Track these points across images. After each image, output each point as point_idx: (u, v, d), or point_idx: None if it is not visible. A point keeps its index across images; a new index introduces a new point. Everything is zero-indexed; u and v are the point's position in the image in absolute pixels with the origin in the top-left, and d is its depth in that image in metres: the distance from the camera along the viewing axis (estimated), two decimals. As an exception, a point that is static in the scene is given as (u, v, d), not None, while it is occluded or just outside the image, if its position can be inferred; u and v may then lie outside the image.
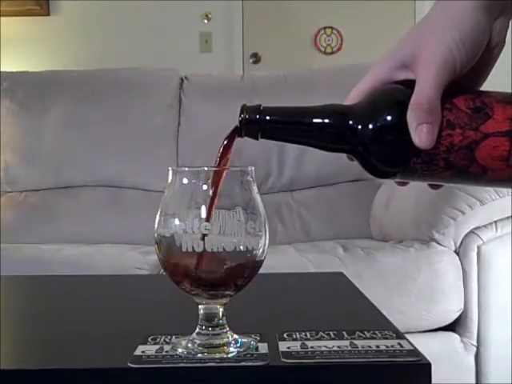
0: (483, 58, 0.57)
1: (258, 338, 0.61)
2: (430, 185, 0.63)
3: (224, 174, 0.57)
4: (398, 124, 0.55)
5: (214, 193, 0.56)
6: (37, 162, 2.31)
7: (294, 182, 2.27)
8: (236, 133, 0.58)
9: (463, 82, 0.57)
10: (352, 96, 0.59)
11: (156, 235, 0.58)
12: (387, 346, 0.59)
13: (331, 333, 0.64)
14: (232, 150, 0.58)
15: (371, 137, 0.56)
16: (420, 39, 0.56)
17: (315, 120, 0.57)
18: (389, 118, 0.55)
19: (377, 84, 0.58)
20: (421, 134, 0.53)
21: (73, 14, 3.76)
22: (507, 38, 0.59)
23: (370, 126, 0.55)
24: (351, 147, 0.57)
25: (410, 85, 0.55)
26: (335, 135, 0.57)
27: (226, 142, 0.58)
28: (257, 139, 0.57)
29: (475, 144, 0.54)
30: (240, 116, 0.57)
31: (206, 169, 0.59)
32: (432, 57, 0.54)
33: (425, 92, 0.54)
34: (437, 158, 0.55)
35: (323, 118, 0.56)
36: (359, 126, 0.56)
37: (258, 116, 0.56)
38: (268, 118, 0.56)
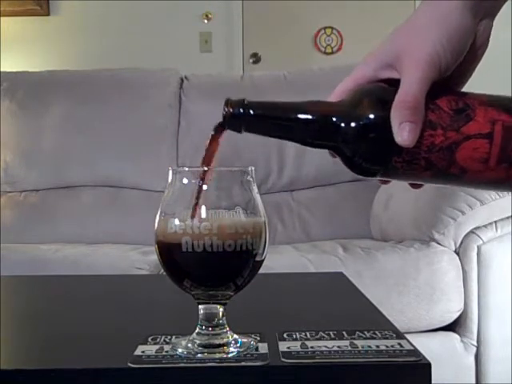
0: (467, 58, 0.57)
1: (258, 338, 0.61)
2: (410, 184, 0.63)
3: (213, 171, 0.57)
4: (381, 122, 0.55)
5: (199, 190, 0.56)
6: (37, 162, 2.31)
7: (293, 182, 2.27)
8: (220, 126, 0.58)
9: (446, 82, 0.57)
10: (336, 93, 0.59)
11: (156, 235, 0.58)
12: (387, 346, 0.59)
13: (331, 333, 0.64)
14: (219, 143, 0.58)
15: (354, 134, 0.56)
16: (405, 39, 0.57)
17: (299, 115, 0.57)
18: (372, 115, 0.55)
19: (361, 82, 0.58)
20: (403, 133, 0.53)
21: (73, 14, 3.76)
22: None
23: (353, 124, 0.56)
24: (334, 144, 0.57)
25: (394, 84, 0.56)
26: (318, 131, 0.57)
27: (212, 135, 0.59)
28: (240, 132, 0.58)
29: (456, 145, 0.54)
30: (224, 109, 0.57)
31: (205, 169, 0.59)
32: (418, 56, 0.54)
33: (409, 91, 0.54)
34: (418, 158, 0.55)
35: (307, 114, 0.56)
36: (342, 124, 0.56)
37: (241, 110, 0.57)
38: (251, 112, 0.57)
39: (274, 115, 0.58)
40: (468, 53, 0.57)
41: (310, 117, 0.56)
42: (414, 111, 0.53)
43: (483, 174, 0.55)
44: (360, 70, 0.58)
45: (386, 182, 0.62)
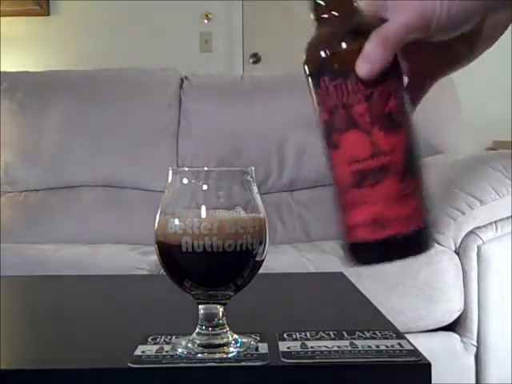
0: (462, 44, 0.56)
1: (258, 338, 0.61)
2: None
3: None
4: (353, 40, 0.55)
5: None
6: (37, 162, 2.31)
7: (293, 182, 2.27)
8: None
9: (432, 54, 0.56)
10: None
11: (156, 235, 0.58)
12: (387, 346, 0.59)
13: (331, 333, 0.64)
14: None
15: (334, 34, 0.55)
16: None
17: None
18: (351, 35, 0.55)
19: None
20: (363, 63, 0.53)
21: (73, 14, 3.76)
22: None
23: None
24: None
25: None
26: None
27: None
28: None
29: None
30: None
31: (205, 169, 0.59)
32: (412, 4, 0.53)
33: (389, 30, 0.53)
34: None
35: None
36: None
37: None
38: None
39: None
40: (466, 39, 0.55)
41: None
42: (383, 48, 0.53)
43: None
44: None
45: None
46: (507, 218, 1.64)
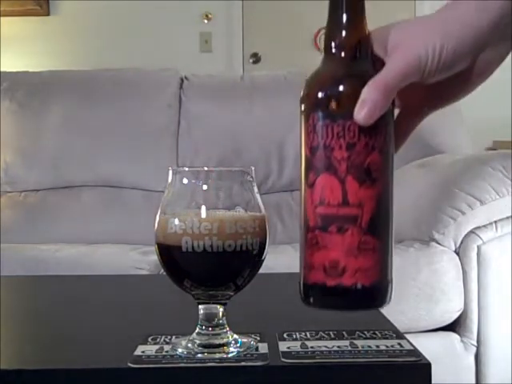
0: (456, 81, 0.56)
1: (258, 338, 0.61)
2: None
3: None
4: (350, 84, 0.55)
5: None
6: (37, 162, 2.31)
7: (294, 182, 2.27)
8: None
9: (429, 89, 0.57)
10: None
11: (156, 235, 0.58)
12: (387, 346, 0.59)
13: (331, 333, 0.64)
14: None
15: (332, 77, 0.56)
16: (409, 29, 0.56)
17: None
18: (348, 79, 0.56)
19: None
20: (362, 108, 0.53)
21: (73, 14, 3.76)
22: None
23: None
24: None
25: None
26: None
27: None
28: None
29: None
30: None
31: (205, 169, 0.59)
32: (408, 51, 0.54)
33: (386, 76, 0.53)
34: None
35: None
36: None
37: None
38: None
39: None
40: (462, 74, 0.56)
41: None
42: (383, 94, 0.53)
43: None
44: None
45: None
46: (507, 217, 1.64)
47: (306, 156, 0.57)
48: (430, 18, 0.57)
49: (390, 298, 0.57)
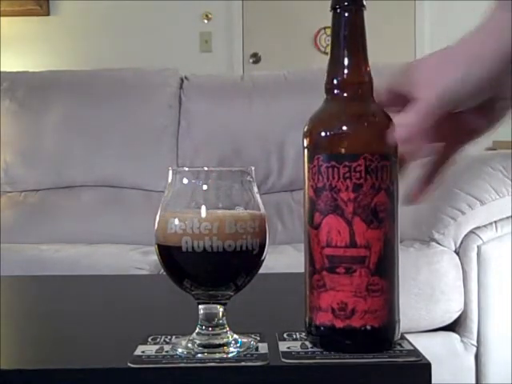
0: (480, 117, 0.57)
1: (258, 338, 0.61)
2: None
3: None
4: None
5: None
6: (37, 162, 2.31)
7: (293, 182, 2.27)
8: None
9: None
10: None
11: (156, 235, 0.58)
12: (387, 346, 0.59)
13: (331, 333, 0.64)
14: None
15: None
16: (430, 68, 0.56)
17: None
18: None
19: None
20: (402, 128, 0.54)
21: (73, 14, 3.76)
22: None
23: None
24: None
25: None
26: None
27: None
28: None
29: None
30: None
31: (205, 169, 0.59)
32: (433, 91, 0.54)
33: (430, 101, 0.54)
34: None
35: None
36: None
37: None
38: None
39: None
40: (484, 111, 0.57)
41: None
42: (424, 116, 0.54)
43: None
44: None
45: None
46: (507, 217, 1.64)
47: (310, 197, 0.56)
48: (451, 49, 0.57)
49: (397, 338, 0.58)
